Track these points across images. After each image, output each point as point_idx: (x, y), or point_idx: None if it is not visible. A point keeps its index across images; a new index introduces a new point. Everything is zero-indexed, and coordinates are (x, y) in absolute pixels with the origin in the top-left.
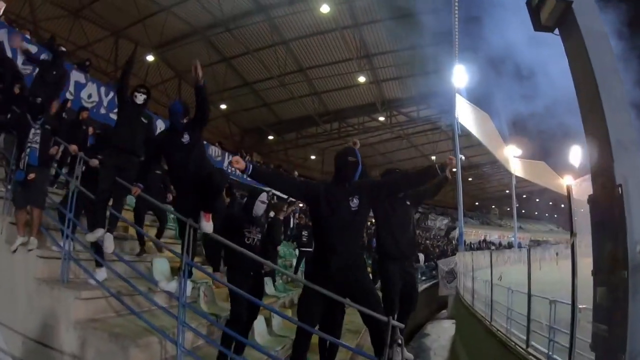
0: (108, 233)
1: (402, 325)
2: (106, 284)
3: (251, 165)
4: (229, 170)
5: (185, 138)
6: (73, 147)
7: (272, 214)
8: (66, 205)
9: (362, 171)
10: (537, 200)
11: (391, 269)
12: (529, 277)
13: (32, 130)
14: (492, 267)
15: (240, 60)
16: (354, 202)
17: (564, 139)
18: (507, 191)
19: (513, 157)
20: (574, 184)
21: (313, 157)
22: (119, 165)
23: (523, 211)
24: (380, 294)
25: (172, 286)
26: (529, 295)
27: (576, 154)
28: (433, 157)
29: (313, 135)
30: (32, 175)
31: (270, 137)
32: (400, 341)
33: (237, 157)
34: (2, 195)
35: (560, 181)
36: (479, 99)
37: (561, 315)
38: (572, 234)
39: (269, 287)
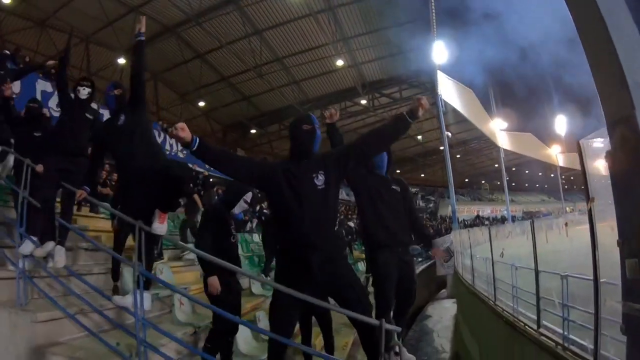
0: (59, 246)
1: (399, 329)
2: (69, 302)
3: (198, 139)
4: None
5: (121, 119)
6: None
7: None
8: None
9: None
10: (527, 172)
11: (383, 258)
12: (534, 251)
13: None
14: (491, 243)
15: (214, 55)
16: (319, 179)
17: (548, 108)
18: (496, 165)
19: (500, 131)
20: (584, 144)
21: None
22: (63, 169)
23: (513, 184)
24: (372, 288)
25: (128, 301)
26: (536, 272)
27: (561, 123)
28: (419, 137)
29: None
30: None
31: (253, 131)
32: (397, 348)
33: (183, 124)
34: None
35: (548, 151)
36: (461, 71)
37: (574, 291)
38: (590, 198)
39: (255, 286)
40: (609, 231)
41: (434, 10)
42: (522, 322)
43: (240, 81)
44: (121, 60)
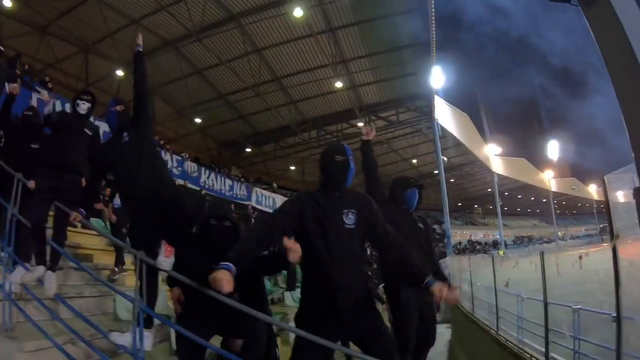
0: (49, 271)
1: None
2: (58, 329)
3: (233, 267)
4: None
5: (125, 137)
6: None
7: None
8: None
9: (374, 178)
10: (519, 196)
11: (406, 297)
12: (544, 282)
13: None
14: (494, 272)
15: (213, 72)
16: (350, 218)
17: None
18: (489, 189)
19: (494, 155)
20: (609, 180)
21: (293, 167)
22: (56, 187)
23: (506, 208)
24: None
25: (126, 339)
26: (546, 304)
27: (554, 148)
28: (414, 161)
29: (292, 146)
30: None
31: (248, 150)
32: None
33: (227, 279)
34: None
35: (541, 176)
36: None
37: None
38: (614, 235)
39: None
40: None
41: (434, 35)
42: (527, 353)
43: (238, 99)
44: (120, 72)
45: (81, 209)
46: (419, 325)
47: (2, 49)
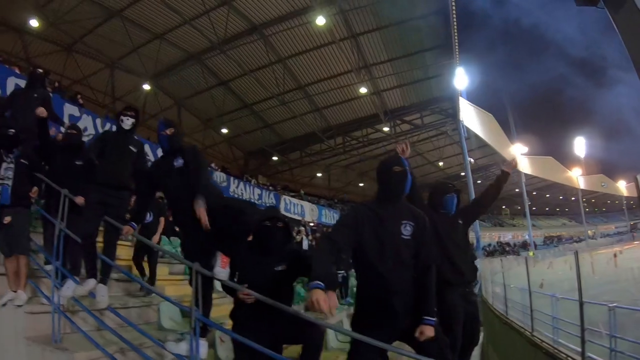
0: (101, 284)
1: None
2: (106, 339)
3: (322, 284)
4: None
5: (179, 161)
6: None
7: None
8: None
9: (412, 184)
10: (547, 195)
11: (452, 297)
12: (579, 281)
13: (4, 165)
14: (528, 274)
15: (238, 83)
16: (407, 229)
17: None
18: (517, 190)
19: (520, 155)
20: None
21: (319, 174)
22: (105, 202)
23: (534, 208)
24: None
25: (182, 348)
26: (581, 303)
27: (581, 145)
28: (440, 163)
29: (317, 153)
30: (7, 219)
31: (275, 158)
32: None
33: (318, 294)
34: None
35: (569, 174)
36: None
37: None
38: None
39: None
40: None
41: (456, 37)
42: (563, 353)
43: (263, 109)
44: (146, 86)
45: (132, 223)
46: (464, 325)
47: (40, 70)
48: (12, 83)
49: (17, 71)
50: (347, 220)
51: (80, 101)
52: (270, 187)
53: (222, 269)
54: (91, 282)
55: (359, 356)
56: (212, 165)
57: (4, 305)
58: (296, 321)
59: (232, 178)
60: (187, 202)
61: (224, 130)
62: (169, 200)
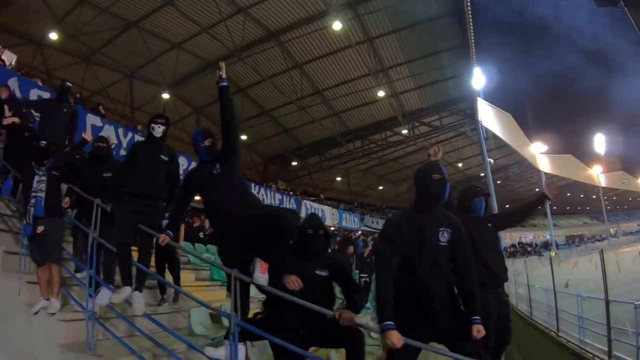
0: (137, 292)
1: None
2: (139, 345)
3: (390, 323)
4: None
5: (217, 168)
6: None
7: None
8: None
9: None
10: (568, 194)
11: (486, 298)
12: (604, 281)
13: (36, 178)
14: (553, 275)
15: (256, 89)
16: (444, 237)
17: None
18: (537, 189)
19: (540, 154)
20: None
21: (339, 178)
22: (139, 211)
23: (555, 207)
24: None
25: (221, 353)
26: (607, 302)
27: (600, 142)
28: (459, 164)
29: (336, 157)
30: (40, 228)
31: (294, 163)
32: None
33: (392, 336)
34: (18, 252)
35: (589, 172)
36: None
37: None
38: None
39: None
40: None
41: (472, 36)
42: (590, 352)
43: (281, 114)
44: (165, 95)
45: (168, 231)
46: (496, 325)
47: (69, 84)
48: (34, 95)
49: (40, 83)
50: (392, 232)
51: (103, 112)
52: (291, 192)
53: (261, 274)
54: (127, 290)
55: (398, 356)
56: None
57: (36, 313)
58: (336, 325)
59: (252, 184)
60: (231, 214)
61: (243, 137)
62: (209, 209)
